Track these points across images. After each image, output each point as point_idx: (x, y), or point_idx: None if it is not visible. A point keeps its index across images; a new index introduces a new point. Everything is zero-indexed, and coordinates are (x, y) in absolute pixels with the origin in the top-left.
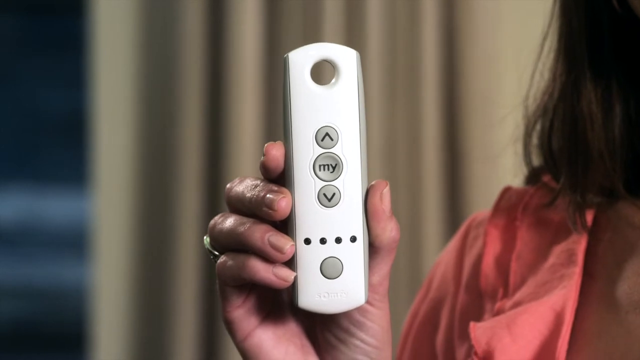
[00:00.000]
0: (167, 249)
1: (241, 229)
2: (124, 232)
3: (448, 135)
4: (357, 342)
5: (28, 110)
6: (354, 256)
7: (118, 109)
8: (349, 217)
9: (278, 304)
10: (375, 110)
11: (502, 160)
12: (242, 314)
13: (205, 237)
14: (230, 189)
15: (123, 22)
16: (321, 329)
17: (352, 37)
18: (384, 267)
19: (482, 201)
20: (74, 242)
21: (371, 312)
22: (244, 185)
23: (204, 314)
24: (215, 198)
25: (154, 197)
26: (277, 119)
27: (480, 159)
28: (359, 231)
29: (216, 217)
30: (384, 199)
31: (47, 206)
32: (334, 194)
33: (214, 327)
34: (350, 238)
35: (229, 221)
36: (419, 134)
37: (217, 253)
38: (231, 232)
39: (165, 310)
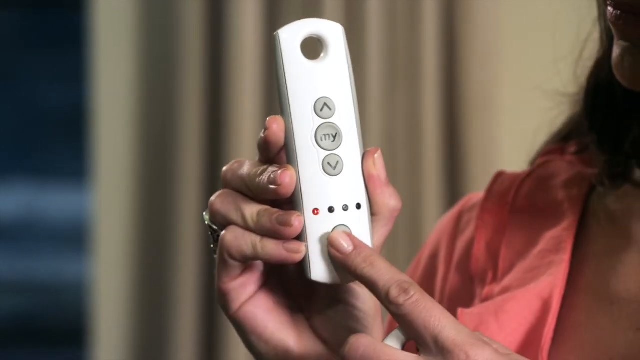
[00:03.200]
0: (167, 243)
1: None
2: (123, 227)
3: (447, 129)
4: (349, 309)
5: (28, 106)
6: (361, 223)
7: (118, 104)
8: (352, 184)
9: (271, 274)
10: (376, 105)
11: (500, 153)
12: (238, 285)
13: (204, 214)
14: (228, 171)
15: (123, 17)
16: (314, 297)
17: (351, 33)
18: (380, 236)
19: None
20: (74, 237)
21: None
22: (244, 167)
23: (204, 308)
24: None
25: (154, 192)
26: (278, 108)
27: (479, 152)
28: (363, 198)
29: (216, 195)
30: (377, 164)
31: (47, 201)
32: (337, 162)
33: (214, 322)
34: (356, 205)
35: (231, 199)
36: (418, 129)
37: (215, 228)
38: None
39: (165, 304)
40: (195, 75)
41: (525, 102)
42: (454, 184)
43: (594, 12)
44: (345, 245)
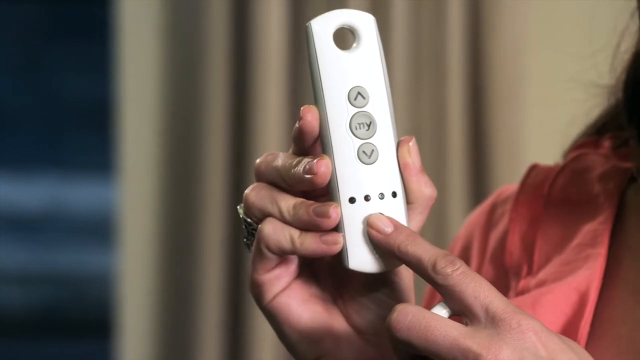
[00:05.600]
0: (192, 236)
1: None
2: (149, 219)
3: (473, 123)
4: (385, 299)
5: (54, 98)
6: (397, 211)
7: (144, 96)
8: (387, 172)
9: (305, 265)
10: (401, 99)
11: (526, 148)
12: (273, 277)
13: (238, 207)
14: (262, 162)
15: (149, 9)
16: (348, 287)
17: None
18: (416, 224)
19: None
20: (100, 229)
21: (398, 267)
22: (278, 158)
23: (229, 301)
24: (241, 186)
25: (179, 184)
26: (302, 102)
27: (505, 146)
28: (398, 186)
29: (251, 188)
30: (412, 152)
31: (73, 193)
32: (372, 151)
33: (239, 314)
34: (392, 194)
35: (266, 192)
36: (444, 122)
37: (249, 220)
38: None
39: (190, 296)
40: (221, 68)
41: (551, 94)
42: (479, 177)
43: (631, 3)
44: (386, 226)
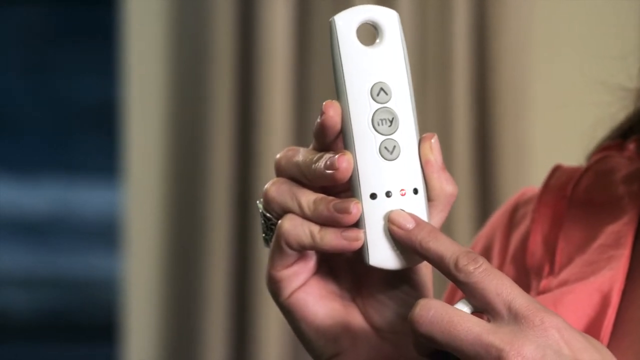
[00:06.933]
0: (198, 239)
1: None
2: (155, 222)
3: (478, 126)
4: (404, 297)
5: (60, 101)
6: (418, 208)
7: (150, 99)
8: (409, 169)
9: (324, 261)
10: None
11: (532, 151)
12: (292, 273)
13: (258, 202)
14: (282, 158)
15: (155, 11)
16: (366, 283)
17: None
18: (437, 222)
19: (512, 192)
20: (106, 233)
21: (418, 265)
22: (299, 154)
23: (235, 304)
24: (247, 190)
25: (185, 188)
26: (309, 105)
27: (511, 149)
28: (420, 183)
29: (271, 183)
30: (433, 149)
31: (79, 197)
32: (394, 147)
33: (245, 317)
34: (413, 190)
35: (286, 187)
36: (449, 125)
37: (269, 215)
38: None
39: (196, 300)
40: (227, 71)
41: (557, 96)
42: (485, 179)
43: None
44: (407, 222)
